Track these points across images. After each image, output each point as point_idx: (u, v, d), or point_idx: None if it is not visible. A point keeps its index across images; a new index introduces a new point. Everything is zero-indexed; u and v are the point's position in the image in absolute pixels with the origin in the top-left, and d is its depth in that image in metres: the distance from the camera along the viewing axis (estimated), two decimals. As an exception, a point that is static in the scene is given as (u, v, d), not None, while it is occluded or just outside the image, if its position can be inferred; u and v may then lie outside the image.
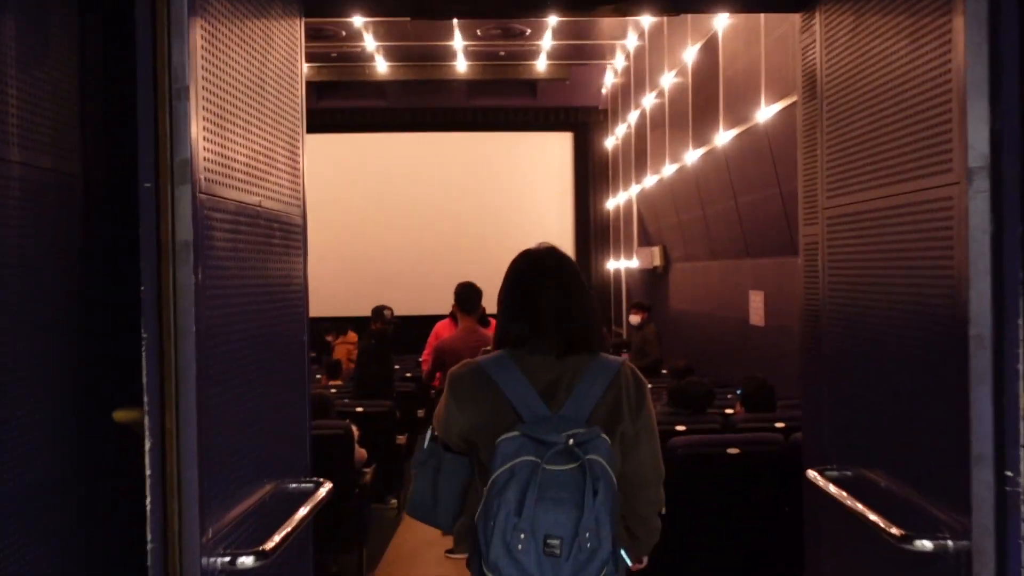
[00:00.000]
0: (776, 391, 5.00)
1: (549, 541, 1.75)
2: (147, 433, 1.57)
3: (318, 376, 9.35)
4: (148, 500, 1.59)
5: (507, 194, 15.32)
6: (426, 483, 2.07)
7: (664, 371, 9.18)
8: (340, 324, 9.98)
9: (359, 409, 6.22)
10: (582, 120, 15.32)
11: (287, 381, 2.38)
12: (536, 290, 2.00)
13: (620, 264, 14.10)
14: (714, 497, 3.72)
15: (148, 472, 1.58)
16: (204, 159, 1.70)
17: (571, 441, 1.79)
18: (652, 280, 12.13)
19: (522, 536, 1.75)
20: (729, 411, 5.28)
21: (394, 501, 6.47)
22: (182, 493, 1.58)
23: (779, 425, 4.40)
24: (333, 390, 7.86)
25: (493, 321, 7.21)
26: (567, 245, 15.42)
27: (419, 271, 14.30)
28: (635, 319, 8.81)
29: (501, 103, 14.94)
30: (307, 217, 2.72)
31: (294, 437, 2.49)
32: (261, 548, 1.84)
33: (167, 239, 1.56)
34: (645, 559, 2.17)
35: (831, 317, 2.75)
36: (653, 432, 2.03)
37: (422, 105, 14.85)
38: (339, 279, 14.97)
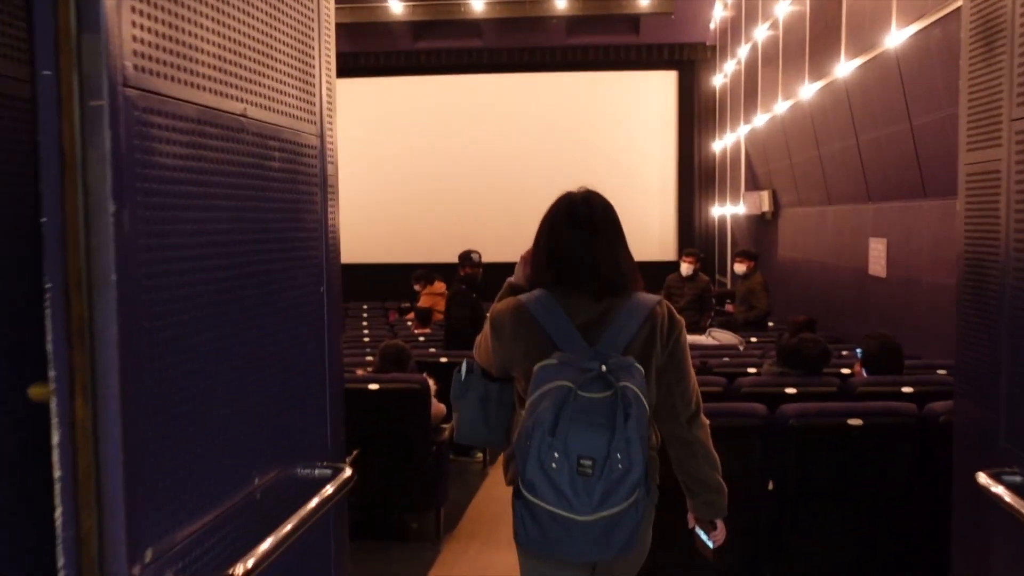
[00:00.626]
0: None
1: (582, 461, 1.80)
2: (55, 421, 1.13)
3: (409, 323, 9.17)
4: (58, 512, 1.15)
5: (606, 137, 14.67)
6: (473, 412, 2.16)
7: (771, 324, 8.55)
8: (429, 271, 9.72)
9: (443, 359, 5.92)
10: (688, 57, 14.46)
11: (295, 341, 1.89)
12: (568, 236, 2.04)
13: (725, 210, 13.36)
14: (830, 477, 3.20)
15: (57, 474, 1.14)
16: (135, 38, 1.21)
17: (604, 368, 1.84)
18: (759, 227, 11.40)
19: (556, 455, 1.81)
20: (846, 370, 4.72)
21: (479, 455, 6.18)
22: (102, 503, 1.13)
23: (907, 390, 3.84)
24: (422, 338, 7.63)
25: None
26: (669, 190, 14.72)
27: (511, 217, 13.92)
28: (740, 268, 8.17)
29: (601, 41, 14.24)
30: (332, 139, 2.16)
31: (308, 409, 2.00)
32: (228, 574, 1.38)
33: (72, 151, 1.10)
34: (721, 526, 2.13)
35: (1018, 266, 2.21)
36: (684, 367, 2.08)
37: (519, 44, 14.29)
38: (427, 225, 14.77)
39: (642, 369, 1.90)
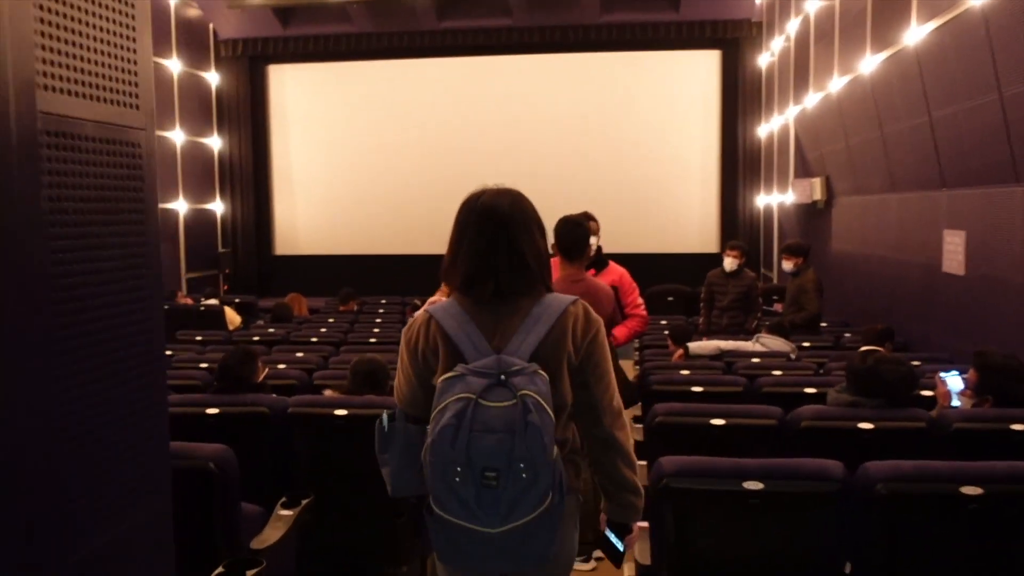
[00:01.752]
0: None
1: (486, 474, 1.78)
2: None
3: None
4: None
5: (644, 121, 13.76)
6: (401, 461, 2.02)
7: (823, 325, 7.61)
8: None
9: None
10: (731, 35, 13.45)
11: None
12: (475, 236, 2.01)
13: (772, 199, 12.37)
14: (935, 560, 2.32)
15: None
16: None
17: (503, 376, 1.84)
18: (810, 217, 10.42)
19: (459, 468, 1.80)
20: (927, 393, 3.82)
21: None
22: None
23: (1019, 427, 2.96)
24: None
25: (613, 265, 5.37)
26: (711, 178, 13.75)
27: (542, 203, 13.06)
28: (788, 265, 7.22)
29: (638, 18, 13.31)
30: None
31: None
32: None
33: None
34: (636, 530, 2.14)
35: None
36: (603, 367, 2.04)
37: (550, 23, 13.42)
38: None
39: (545, 375, 1.88)
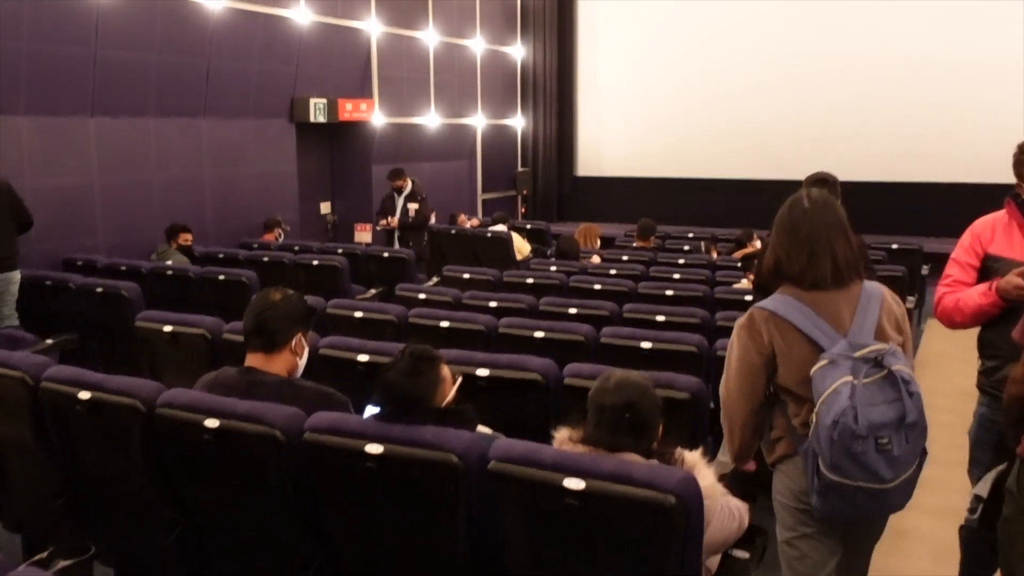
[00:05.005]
0: None
1: (879, 440, 2.11)
2: None
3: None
4: None
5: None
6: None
7: None
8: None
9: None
10: None
11: None
12: (808, 233, 2.30)
13: None
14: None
15: None
16: None
17: (874, 356, 2.17)
18: None
19: (863, 440, 2.10)
20: None
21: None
22: None
23: None
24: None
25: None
26: None
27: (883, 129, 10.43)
28: None
29: None
30: None
31: None
32: None
33: None
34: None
35: None
36: (909, 342, 2.39)
37: None
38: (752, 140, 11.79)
39: (900, 349, 2.26)
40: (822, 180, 3.97)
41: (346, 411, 2.44)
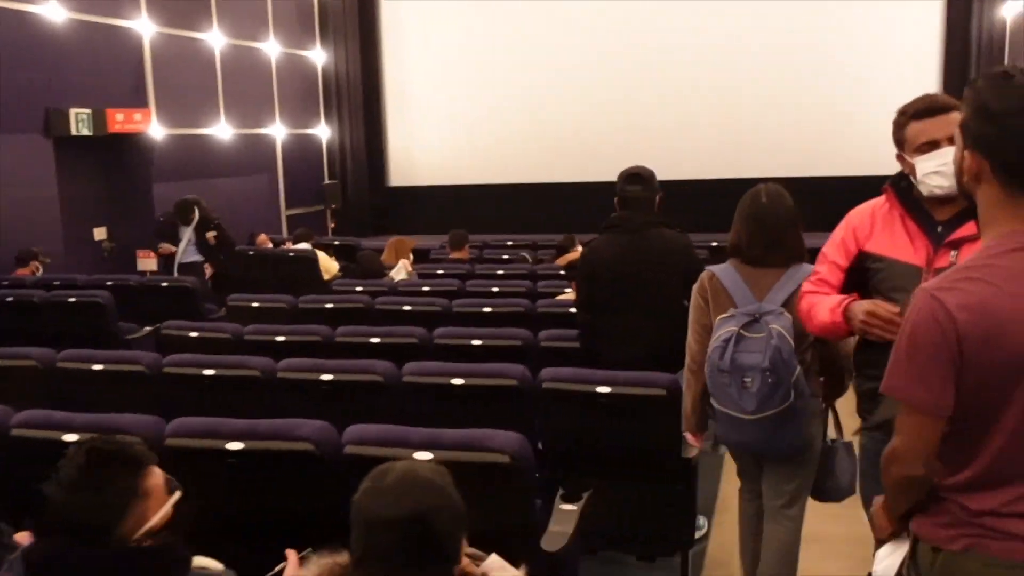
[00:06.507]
0: None
1: (744, 379, 2.59)
2: None
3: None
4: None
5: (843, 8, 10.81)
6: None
7: None
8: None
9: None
10: None
11: None
12: (764, 223, 2.82)
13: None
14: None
15: None
16: None
17: (759, 315, 2.66)
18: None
19: (727, 375, 2.62)
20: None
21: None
22: None
23: None
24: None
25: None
26: (931, 77, 10.63)
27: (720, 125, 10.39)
28: None
29: None
30: None
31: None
32: None
33: None
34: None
35: None
36: None
37: None
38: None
39: (790, 316, 2.62)
40: (635, 175, 3.67)
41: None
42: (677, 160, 10.28)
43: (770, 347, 2.55)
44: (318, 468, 2.20)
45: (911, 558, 1.66)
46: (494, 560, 1.63)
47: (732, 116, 11.27)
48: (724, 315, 2.71)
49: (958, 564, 1.57)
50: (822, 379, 2.82)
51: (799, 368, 2.60)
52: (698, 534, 3.54)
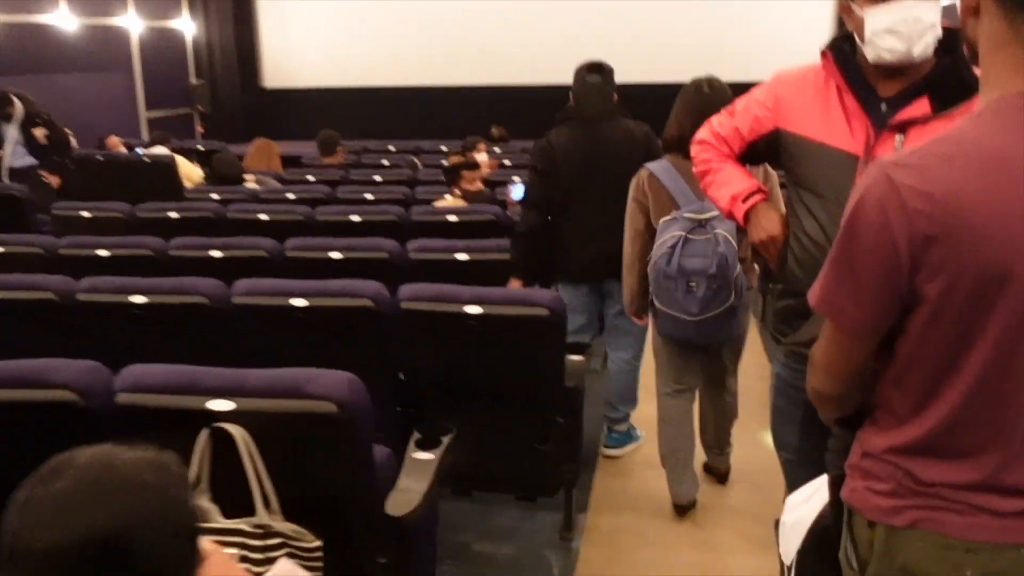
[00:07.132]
0: None
1: (689, 283, 2.63)
2: None
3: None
4: None
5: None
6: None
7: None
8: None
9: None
10: None
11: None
12: (698, 111, 2.60)
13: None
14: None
15: None
16: None
17: (704, 219, 2.65)
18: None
19: (673, 280, 2.64)
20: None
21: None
22: None
23: None
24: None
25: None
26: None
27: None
28: None
29: None
30: None
31: None
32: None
33: None
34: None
35: None
36: None
37: None
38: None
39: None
40: (598, 65, 3.41)
41: None
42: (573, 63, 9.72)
43: (716, 253, 2.58)
44: (84, 416, 1.67)
45: (848, 531, 1.26)
46: (282, 568, 1.15)
47: (659, 16, 10.69)
48: (667, 218, 2.70)
49: (901, 543, 1.18)
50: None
51: (740, 267, 2.65)
52: (633, 445, 3.60)
